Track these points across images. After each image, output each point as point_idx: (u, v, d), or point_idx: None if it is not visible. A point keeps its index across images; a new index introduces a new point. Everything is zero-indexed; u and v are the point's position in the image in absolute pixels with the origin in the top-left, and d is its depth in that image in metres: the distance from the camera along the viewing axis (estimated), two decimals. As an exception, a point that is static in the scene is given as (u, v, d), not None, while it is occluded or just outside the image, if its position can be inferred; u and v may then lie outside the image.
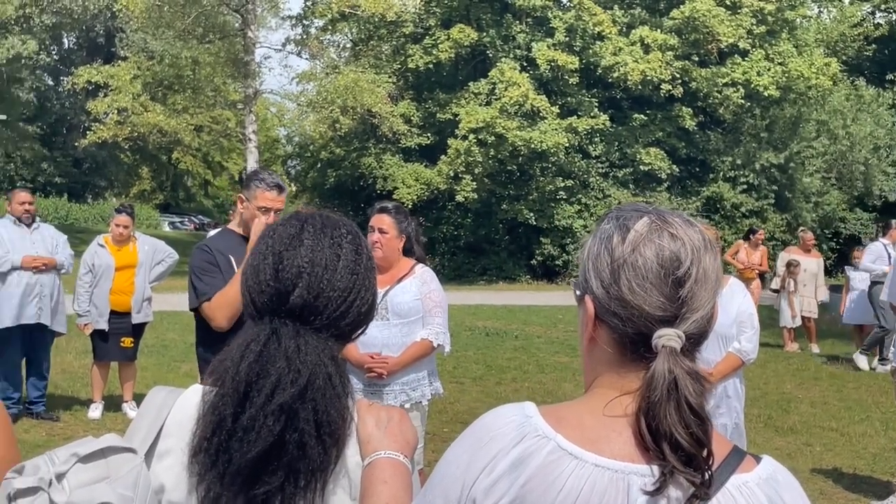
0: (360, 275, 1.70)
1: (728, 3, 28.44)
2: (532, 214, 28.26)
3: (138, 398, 8.60)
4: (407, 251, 5.38)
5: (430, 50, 28.89)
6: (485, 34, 28.93)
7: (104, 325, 8.61)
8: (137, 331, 8.90)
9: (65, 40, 54.65)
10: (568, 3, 29.79)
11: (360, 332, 1.77)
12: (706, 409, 1.30)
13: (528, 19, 29.87)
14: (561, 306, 19.68)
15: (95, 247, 8.81)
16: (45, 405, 8.59)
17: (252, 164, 25.40)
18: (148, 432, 1.65)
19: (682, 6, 28.06)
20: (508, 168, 28.40)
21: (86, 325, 8.65)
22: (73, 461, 1.53)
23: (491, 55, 29.20)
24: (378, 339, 5.19)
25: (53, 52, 54.59)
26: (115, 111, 25.79)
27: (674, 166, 29.56)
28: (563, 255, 28.59)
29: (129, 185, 55.64)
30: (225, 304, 4.44)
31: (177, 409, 1.67)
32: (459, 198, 27.27)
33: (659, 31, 28.48)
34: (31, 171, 49.66)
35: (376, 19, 27.29)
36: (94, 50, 48.30)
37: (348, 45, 32.64)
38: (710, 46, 28.69)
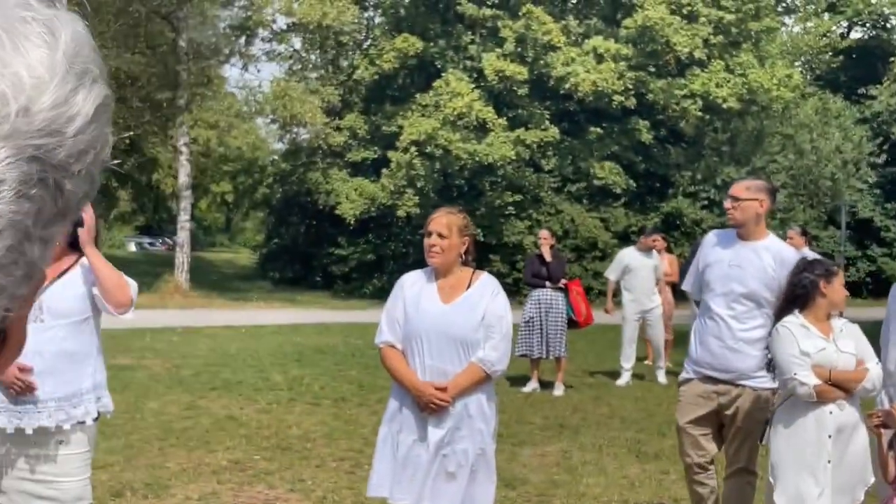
0: None
1: (684, 12, 27.33)
2: (481, 230, 27.13)
3: None
4: None
5: (375, 60, 27.94)
6: (432, 44, 27.96)
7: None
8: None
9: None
10: (520, 13, 28.76)
11: None
12: None
13: (483, 30, 28.85)
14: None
15: None
16: None
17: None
18: None
19: (634, 15, 27.02)
20: (456, 182, 27.36)
21: None
22: None
23: (440, 66, 28.18)
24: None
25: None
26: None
27: (630, 181, 28.41)
28: (514, 272, 27.44)
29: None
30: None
31: None
32: (401, 213, 26.14)
33: (613, 41, 27.42)
34: None
35: (312, 27, 26.33)
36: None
37: (289, 57, 31.53)
38: (667, 57, 27.61)
